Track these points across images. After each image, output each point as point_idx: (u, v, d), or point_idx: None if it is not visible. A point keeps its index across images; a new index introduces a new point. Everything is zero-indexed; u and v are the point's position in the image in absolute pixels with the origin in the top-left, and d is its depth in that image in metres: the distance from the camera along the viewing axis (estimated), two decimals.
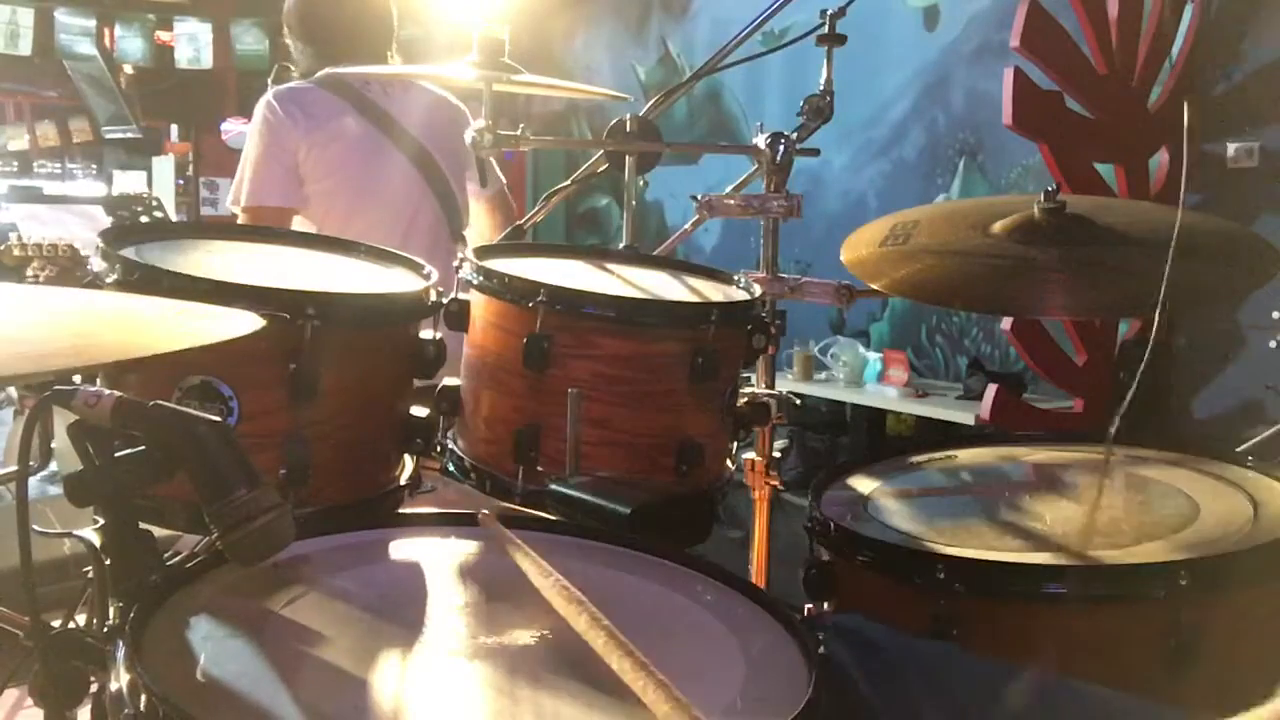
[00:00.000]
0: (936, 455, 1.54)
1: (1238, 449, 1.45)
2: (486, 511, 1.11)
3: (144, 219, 2.97)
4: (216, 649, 0.84)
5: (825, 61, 1.80)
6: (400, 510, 1.28)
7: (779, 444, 1.73)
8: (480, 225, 2.73)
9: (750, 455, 1.70)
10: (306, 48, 2.64)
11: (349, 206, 2.46)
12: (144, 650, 0.80)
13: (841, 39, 1.79)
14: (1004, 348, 4.08)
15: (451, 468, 1.37)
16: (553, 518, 1.21)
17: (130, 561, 0.91)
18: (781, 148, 1.73)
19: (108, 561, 0.92)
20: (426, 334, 1.31)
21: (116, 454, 0.89)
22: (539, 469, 1.27)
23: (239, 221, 2.45)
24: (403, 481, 1.31)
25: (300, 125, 2.45)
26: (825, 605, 1.28)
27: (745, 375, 1.53)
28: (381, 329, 1.27)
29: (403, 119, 2.54)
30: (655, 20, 5.78)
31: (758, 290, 1.45)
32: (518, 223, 1.97)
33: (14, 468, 0.96)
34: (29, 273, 2.86)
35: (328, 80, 2.53)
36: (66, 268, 2.87)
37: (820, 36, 1.79)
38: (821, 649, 0.88)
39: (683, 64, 5.55)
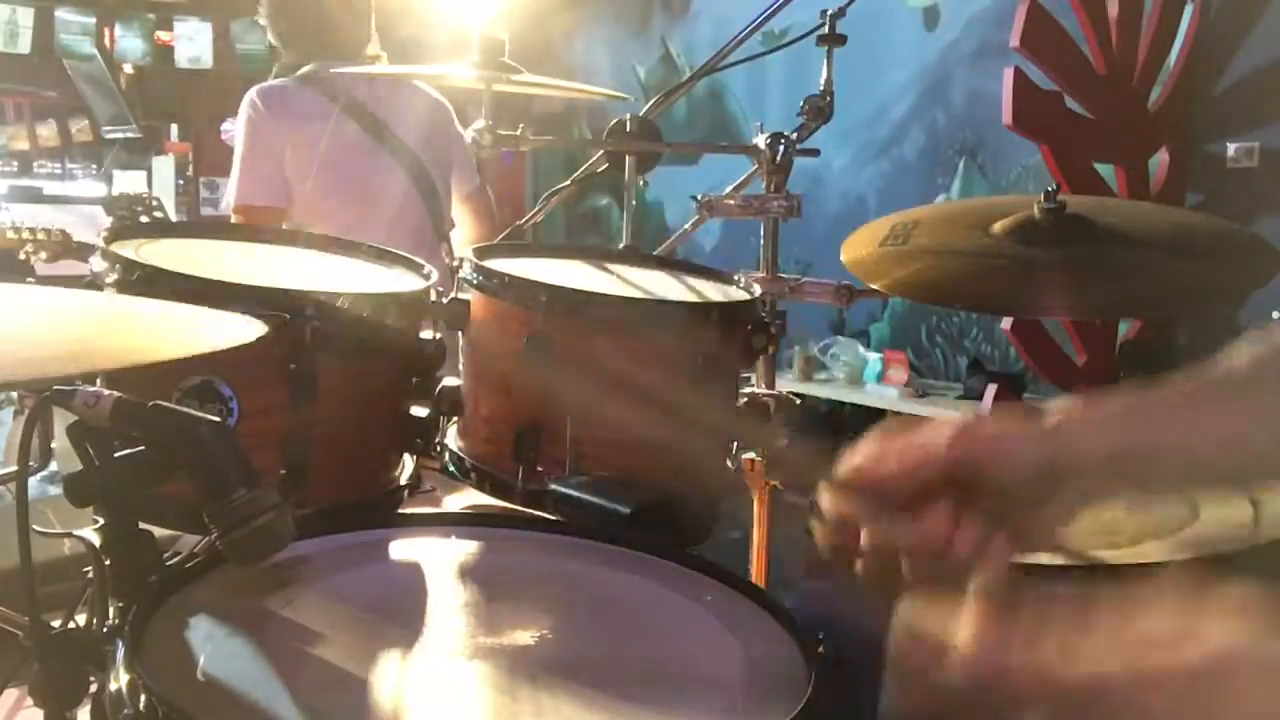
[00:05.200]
0: None
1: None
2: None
3: (144, 219, 2.98)
4: (216, 649, 0.84)
5: (825, 61, 1.81)
6: (400, 510, 1.28)
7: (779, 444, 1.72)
8: (460, 222, 2.73)
9: (750, 455, 1.69)
10: (280, 45, 2.64)
11: (333, 206, 2.46)
12: (144, 650, 0.80)
13: (841, 39, 1.79)
14: (1004, 348, 4.08)
15: (452, 468, 1.37)
16: (553, 518, 1.21)
17: (130, 561, 0.91)
18: (781, 148, 1.73)
19: (108, 561, 0.92)
20: (426, 334, 1.31)
21: (116, 454, 0.89)
22: (539, 469, 1.27)
23: (233, 222, 2.46)
24: (403, 481, 1.31)
25: (285, 124, 2.44)
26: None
27: (745, 375, 1.53)
28: (381, 329, 1.27)
29: (389, 118, 2.54)
30: (655, 20, 5.78)
31: (758, 290, 1.45)
32: (517, 222, 1.97)
33: (14, 468, 0.96)
34: (21, 255, 2.88)
35: (312, 78, 2.52)
36: (58, 252, 2.89)
37: (820, 36, 1.79)
38: (821, 649, 0.88)
39: (683, 64, 5.54)
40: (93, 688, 0.91)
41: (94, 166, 6.90)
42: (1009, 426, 0.80)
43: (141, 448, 0.89)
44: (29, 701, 0.92)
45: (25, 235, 2.90)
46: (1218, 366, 0.81)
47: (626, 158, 1.77)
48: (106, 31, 6.19)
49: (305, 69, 2.55)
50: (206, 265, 1.25)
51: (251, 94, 2.49)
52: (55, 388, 0.89)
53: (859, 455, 0.82)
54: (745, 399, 1.44)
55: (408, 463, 1.33)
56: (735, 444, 1.44)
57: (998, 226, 1.54)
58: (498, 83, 1.67)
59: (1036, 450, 0.78)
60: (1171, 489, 0.82)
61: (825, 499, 0.83)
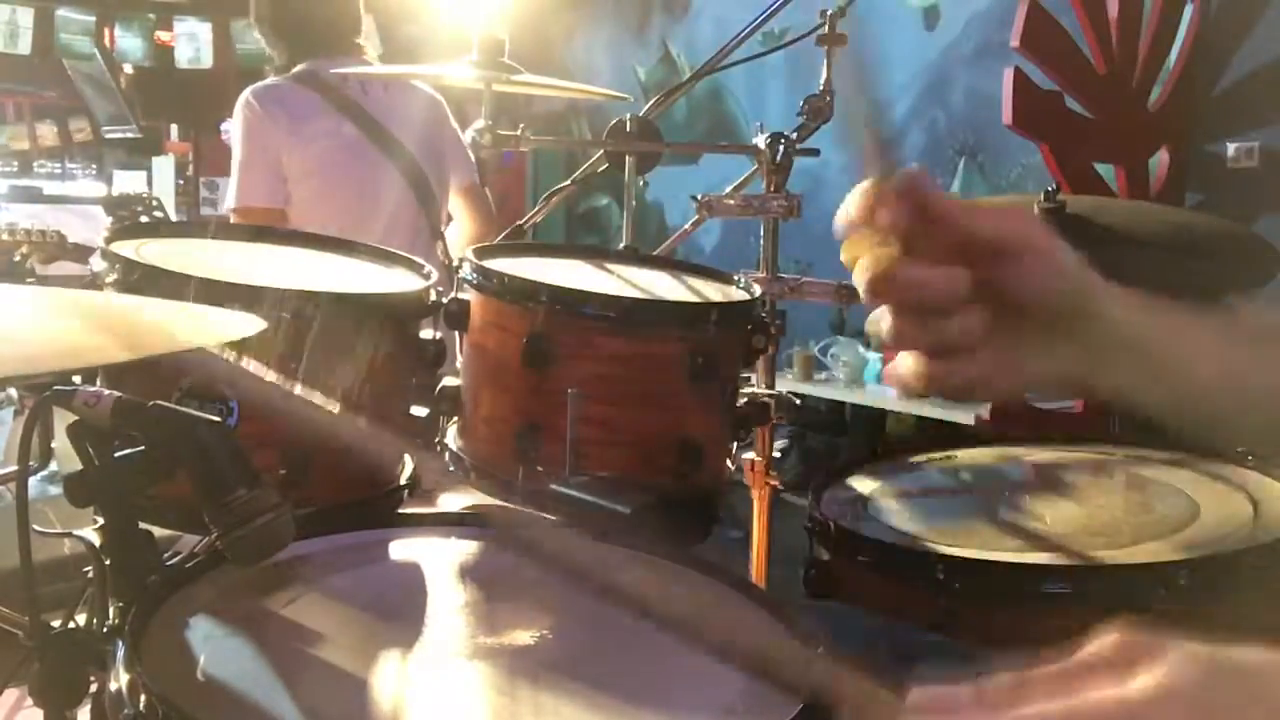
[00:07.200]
0: (936, 455, 1.54)
1: (1238, 449, 1.45)
2: None
3: (144, 219, 2.98)
4: (216, 649, 0.84)
5: (825, 61, 1.80)
6: (400, 510, 1.28)
7: (779, 444, 1.73)
8: (458, 216, 2.74)
9: (750, 455, 1.69)
10: (278, 43, 2.64)
11: (329, 206, 2.46)
12: (144, 650, 0.80)
13: (841, 39, 1.79)
14: None
15: (452, 468, 1.37)
16: (553, 518, 1.21)
17: (130, 561, 0.91)
18: (781, 148, 1.72)
19: (108, 561, 0.92)
20: (426, 334, 1.31)
21: (116, 454, 0.89)
22: (539, 469, 1.27)
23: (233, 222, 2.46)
24: (403, 481, 1.31)
25: (282, 125, 2.44)
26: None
27: (745, 375, 1.53)
28: (381, 329, 1.27)
29: (382, 117, 2.54)
30: (655, 20, 5.78)
31: (758, 290, 1.45)
32: (518, 223, 1.97)
33: (14, 468, 0.96)
34: (16, 256, 2.90)
35: (306, 77, 2.52)
36: (54, 254, 2.91)
37: (820, 36, 1.79)
38: (821, 650, 0.88)
39: (683, 64, 5.54)
40: (93, 688, 0.92)
41: (94, 166, 6.90)
42: (1066, 247, 0.78)
43: (141, 448, 0.89)
44: (29, 701, 0.92)
45: (20, 237, 2.91)
46: (1240, 313, 0.81)
47: (626, 158, 1.76)
48: (106, 31, 6.19)
49: (299, 68, 2.56)
50: (206, 265, 1.25)
51: (247, 95, 2.49)
52: (55, 388, 0.89)
53: (928, 183, 0.74)
54: (745, 399, 1.44)
55: (408, 463, 1.33)
56: (735, 443, 1.44)
57: None
58: (498, 83, 1.67)
59: (1081, 279, 0.77)
60: (1153, 398, 0.79)
61: (861, 196, 0.76)
